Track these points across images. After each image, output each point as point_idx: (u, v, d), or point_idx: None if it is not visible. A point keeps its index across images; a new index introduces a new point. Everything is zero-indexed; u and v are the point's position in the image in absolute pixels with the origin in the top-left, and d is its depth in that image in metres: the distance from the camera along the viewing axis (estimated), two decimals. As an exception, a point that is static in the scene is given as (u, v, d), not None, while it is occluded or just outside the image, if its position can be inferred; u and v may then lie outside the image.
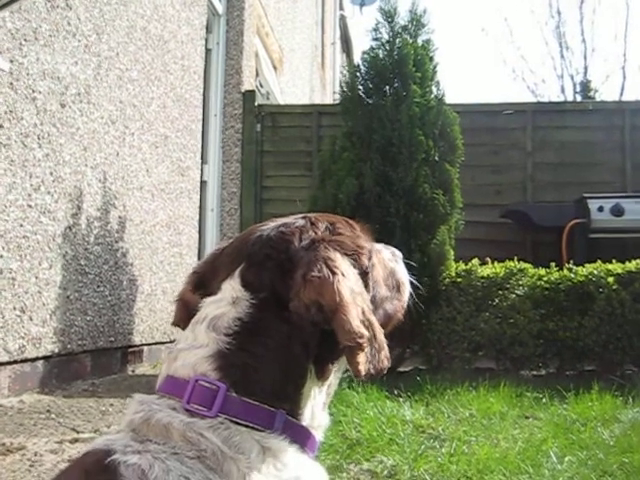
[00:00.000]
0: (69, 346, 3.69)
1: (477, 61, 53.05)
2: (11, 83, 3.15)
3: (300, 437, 0.91)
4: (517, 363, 4.34)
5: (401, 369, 4.34)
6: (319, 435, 0.97)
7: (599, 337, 4.21)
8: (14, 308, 3.19)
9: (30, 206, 3.32)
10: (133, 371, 4.52)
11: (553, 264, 4.49)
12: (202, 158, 6.13)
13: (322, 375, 0.95)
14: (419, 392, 3.46)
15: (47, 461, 2.28)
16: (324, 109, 7.16)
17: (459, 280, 4.35)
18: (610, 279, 4.24)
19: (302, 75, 10.91)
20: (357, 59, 5.90)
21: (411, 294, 1.11)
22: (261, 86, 8.04)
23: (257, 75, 7.67)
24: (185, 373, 0.89)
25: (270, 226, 1.00)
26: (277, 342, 0.90)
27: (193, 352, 0.90)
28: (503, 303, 4.30)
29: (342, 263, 0.93)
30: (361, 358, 0.89)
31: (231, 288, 0.94)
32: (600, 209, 5.45)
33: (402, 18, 4.59)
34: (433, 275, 4.20)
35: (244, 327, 0.90)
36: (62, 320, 3.62)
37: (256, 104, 6.81)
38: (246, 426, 0.86)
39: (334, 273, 0.89)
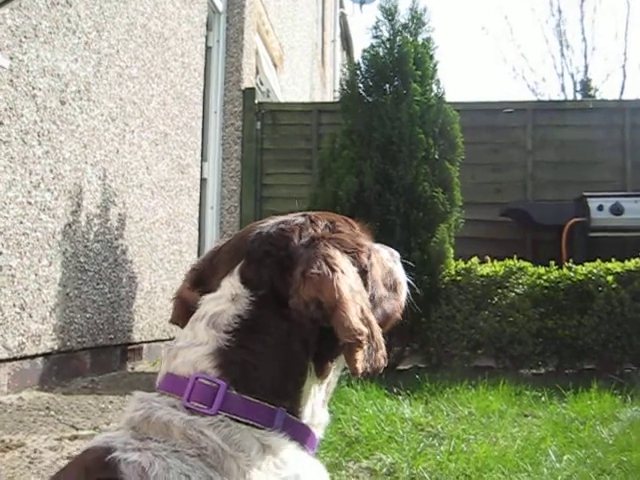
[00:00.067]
0: (68, 343, 3.69)
1: (477, 59, 53.08)
2: (11, 80, 3.14)
3: (300, 435, 0.91)
4: (516, 361, 4.35)
5: (400, 367, 4.34)
6: (319, 433, 0.97)
7: (598, 336, 4.22)
8: (14, 305, 3.20)
9: (30, 203, 3.32)
10: (132, 368, 4.52)
11: (553, 263, 4.50)
12: (202, 155, 6.13)
13: (322, 373, 0.95)
14: (418, 390, 3.46)
15: (46, 458, 2.28)
16: (324, 107, 7.15)
17: (459, 278, 4.35)
18: (609, 278, 4.24)
19: (302, 73, 10.90)
20: (357, 57, 5.90)
21: (408, 294, 1.11)
22: (261, 84, 8.04)
23: (257, 73, 7.67)
24: (185, 371, 0.89)
25: (270, 223, 1.00)
26: (277, 339, 0.90)
27: (193, 350, 0.90)
28: (502, 301, 4.30)
29: (342, 261, 0.93)
30: (359, 356, 0.89)
31: (230, 285, 0.94)
32: (600, 208, 5.45)
33: (402, 16, 4.60)
34: (433, 273, 4.20)
35: (244, 324, 0.90)
36: (62, 317, 3.62)
37: (256, 102, 6.81)
38: (246, 424, 0.86)
39: (333, 270, 0.89)
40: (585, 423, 2.91)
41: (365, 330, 0.89)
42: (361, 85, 4.58)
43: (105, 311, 4.14)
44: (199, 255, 5.72)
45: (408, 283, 1.12)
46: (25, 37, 3.23)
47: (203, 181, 6.30)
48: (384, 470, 2.32)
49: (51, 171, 3.50)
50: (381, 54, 4.51)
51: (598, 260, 4.39)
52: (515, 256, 4.51)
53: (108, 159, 4.13)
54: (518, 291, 4.31)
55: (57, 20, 3.51)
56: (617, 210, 5.42)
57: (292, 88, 9.81)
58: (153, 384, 0.93)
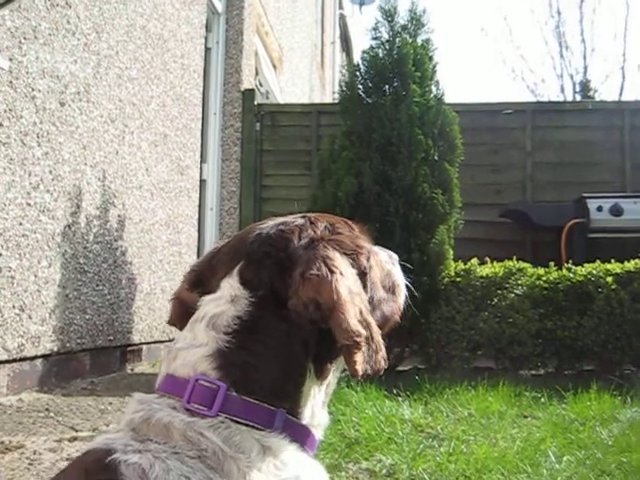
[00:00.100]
0: (68, 345, 3.69)
1: (477, 61, 53.09)
2: (10, 82, 3.14)
3: (300, 436, 0.91)
4: (516, 362, 4.35)
5: (400, 368, 4.34)
6: (319, 434, 0.97)
7: (598, 337, 4.22)
8: (13, 306, 3.19)
9: (29, 204, 3.32)
10: (132, 370, 4.52)
11: (552, 264, 4.50)
12: (201, 157, 6.13)
13: (321, 374, 0.95)
14: (418, 391, 3.46)
15: (46, 459, 2.28)
16: (323, 108, 7.15)
17: (458, 279, 4.36)
18: (609, 279, 4.24)
19: (301, 74, 10.90)
20: (357, 58, 5.91)
21: (406, 297, 1.11)
22: (260, 85, 8.04)
23: (257, 74, 7.67)
24: (185, 372, 0.89)
25: (269, 224, 1.00)
26: (276, 340, 0.90)
27: (193, 351, 0.90)
28: (502, 302, 4.30)
29: (341, 262, 0.93)
30: (358, 357, 0.89)
31: (230, 286, 0.94)
32: (599, 209, 5.46)
33: (402, 17, 4.60)
34: (432, 274, 4.20)
35: (243, 325, 0.90)
36: (61, 319, 3.62)
37: (255, 103, 6.81)
38: (246, 425, 0.86)
39: (332, 272, 0.90)
40: (585, 424, 2.91)
41: (363, 332, 0.89)
42: (360, 86, 4.58)
43: (105, 312, 4.14)
44: (198, 256, 5.70)
45: (406, 286, 1.12)
46: (25, 38, 3.23)
47: (202, 182, 6.30)
48: (384, 471, 2.32)
49: (50, 172, 3.50)
50: (380, 55, 4.52)
51: (597, 261, 4.40)
52: (514, 257, 4.52)
53: (107, 160, 4.13)
54: (517, 292, 4.31)
55: (56, 21, 3.51)
56: (616, 211, 5.42)
57: (291, 89, 9.82)
58: (153, 385, 0.93)
